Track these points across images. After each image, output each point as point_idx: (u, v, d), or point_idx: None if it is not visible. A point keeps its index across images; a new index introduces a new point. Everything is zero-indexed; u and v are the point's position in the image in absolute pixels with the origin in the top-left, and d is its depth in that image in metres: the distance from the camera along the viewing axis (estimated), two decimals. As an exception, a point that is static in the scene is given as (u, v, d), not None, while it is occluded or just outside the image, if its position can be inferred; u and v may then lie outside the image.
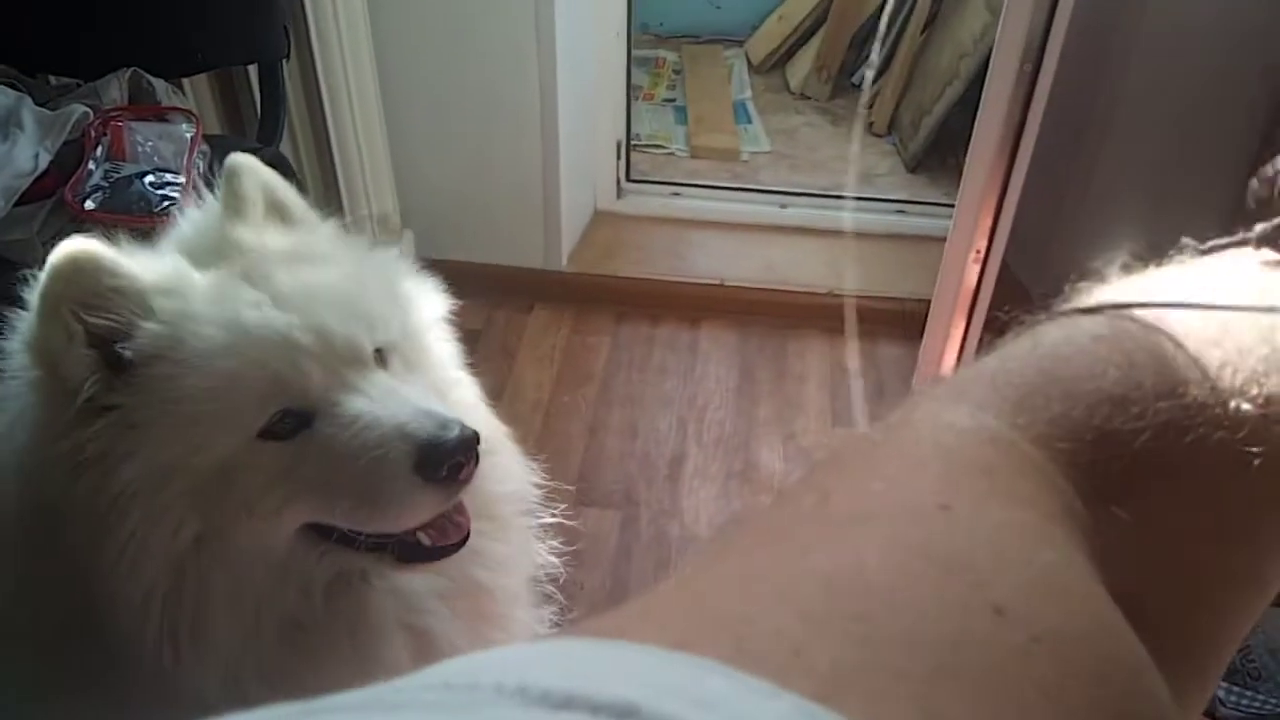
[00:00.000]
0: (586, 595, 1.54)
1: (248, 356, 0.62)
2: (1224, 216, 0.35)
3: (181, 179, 1.36)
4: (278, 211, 0.73)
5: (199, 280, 0.66)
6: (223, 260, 0.68)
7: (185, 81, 1.70)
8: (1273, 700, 1.29)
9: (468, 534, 0.70)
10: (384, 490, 0.64)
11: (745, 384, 2.03)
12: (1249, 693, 1.29)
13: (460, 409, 0.67)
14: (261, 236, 0.70)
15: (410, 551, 0.69)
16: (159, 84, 1.54)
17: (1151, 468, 0.28)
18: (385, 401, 0.65)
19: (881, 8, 2.90)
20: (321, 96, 1.84)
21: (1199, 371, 0.28)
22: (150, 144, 1.40)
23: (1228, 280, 0.33)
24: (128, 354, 0.61)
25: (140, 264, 0.64)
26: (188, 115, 1.50)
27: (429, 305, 0.80)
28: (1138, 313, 0.31)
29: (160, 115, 1.49)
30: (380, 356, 0.69)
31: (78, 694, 0.64)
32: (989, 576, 0.23)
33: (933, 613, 0.21)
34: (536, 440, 1.84)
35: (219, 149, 1.41)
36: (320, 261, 0.70)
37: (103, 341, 0.61)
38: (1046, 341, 0.31)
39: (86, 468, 0.60)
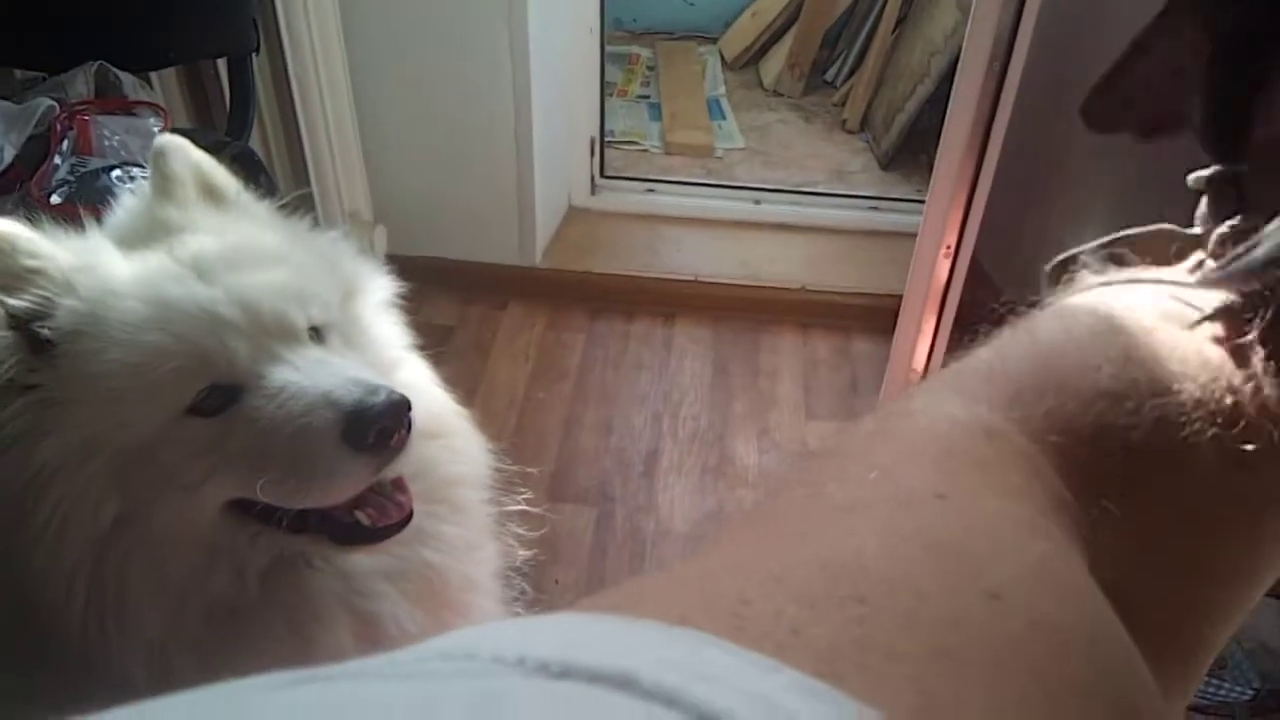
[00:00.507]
0: (561, 591, 1.54)
1: (172, 331, 0.61)
2: (1193, 212, 0.35)
3: (148, 173, 1.34)
4: (210, 193, 0.72)
5: (122, 258, 0.65)
6: (153, 242, 0.67)
7: (153, 75, 1.68)
8: (1238, 688, 1.31)
9: (410, 513, 0.68)
10: (311, 461, 0.62)
11: (720, 379, 2.03)
12: (1214, 680, 1.30)
13: (407, 390, 0.65)
14: (190, 215, 0.69)
15: (349, 533, 0.67)
16: (126, 78, 1.52)
17: (1145, 464, 0.28)
18: (313, 371, 0.64)
19: (853, 6, 2.92)
20: (292, 90, 1.82)
21: (1194, 367, 0.28)
22: (117, 138, 1.38)
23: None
24: (46, 333, 0.60)
25: (60, 244, 0.63)
26: (155, 109, 1.48)
27: (374, 288, 0.79)
28: (1133, 305, 0.30)
29: (127, 109, 1.47)
30: (317, 334, 0.68)
31: (6, 691, 0.62)
32: (985, 563, 0.23)
33: (930, 596, 0.21)
34: (511, 437, 1.83)
35: (187, 143, 1.39)
36: (251, 239, 0.69)
37: (23, 323, 0.60)
38: (1043, 335, 0.31)
39: (7, 447, 0.59)
